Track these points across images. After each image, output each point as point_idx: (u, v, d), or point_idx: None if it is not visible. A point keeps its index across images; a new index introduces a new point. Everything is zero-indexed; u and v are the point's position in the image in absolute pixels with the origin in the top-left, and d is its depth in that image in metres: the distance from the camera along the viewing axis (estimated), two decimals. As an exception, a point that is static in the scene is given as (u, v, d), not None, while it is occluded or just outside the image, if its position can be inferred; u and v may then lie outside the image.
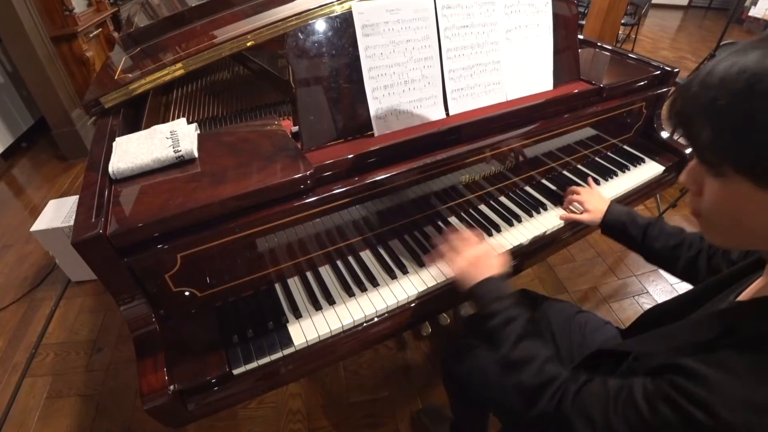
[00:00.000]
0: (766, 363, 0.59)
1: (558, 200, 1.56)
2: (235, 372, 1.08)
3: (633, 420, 0.68)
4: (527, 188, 1.63)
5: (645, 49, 6.42)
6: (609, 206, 1.36)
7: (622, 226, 1.30)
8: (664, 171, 1.76)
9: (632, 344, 0.90)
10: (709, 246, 1.14)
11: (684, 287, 1.64)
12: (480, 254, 1.14)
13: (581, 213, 1.42)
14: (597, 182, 1.66)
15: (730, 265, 1.05)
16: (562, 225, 1.48)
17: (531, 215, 1.50)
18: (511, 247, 1.39)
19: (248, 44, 1.41)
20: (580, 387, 0.81)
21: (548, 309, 1.39)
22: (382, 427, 1.88)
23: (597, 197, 1.42)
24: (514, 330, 0.97)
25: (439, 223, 1.47)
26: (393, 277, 1.29)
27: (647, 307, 1.09)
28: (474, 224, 1.46)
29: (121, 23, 3.26)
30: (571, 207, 1.50)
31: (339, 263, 1.34)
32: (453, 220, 1.48)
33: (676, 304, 0.97)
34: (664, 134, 1.85)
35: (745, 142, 0.56)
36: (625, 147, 1.86)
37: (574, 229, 1.51)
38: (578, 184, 1.63)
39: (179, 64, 1.42)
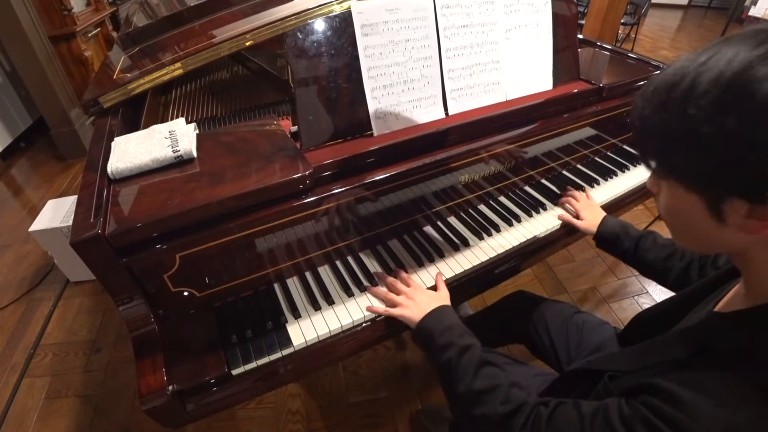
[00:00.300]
0: (745, 380, 0.58)
1: (559, 200, 1.56)
2: (234, 372, 1.08)
3: None
4: (527, 188, 1.62)
5: (645, 49, 6.44)
6: (603, 219, 1.37)
7: (615, 238, 1.31)
8: (665, 171, 1.74)
9: (607, 363, 0.88)
10: (700, 256, 1.15)
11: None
12: (418, 292, 1.17)
13: (576, 218, 1.43)
14: (597, 182, 1.66)
15: None
16: (561, 225, 1.47)
17: (530, 215, 1.50)
18: (511, 246, 1.39)
19: (247, 44, 1.40)
20: (552, 411, 0.78)
21: (546, 310, 1.39)
22: (381, 427, 1.88)
23: (593, 208, 1.44)
24: (472, 358, 0.94)
25: (438, 223, 1.46)
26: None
27: (647, 307, 1.09)
28: (473, 224, 1.45)
29: (120, 23, 3.26)
30: (566, 206, 1.51)
31: (338, 263, 1.33)
32: (452, 220, 1.48)
33: (661, 310, 0.98)
34: (664, 134, 1.84)
35: (674, 149, 0.59)
36: (625, 147, 1.85)
37: (572, 230, 1.50)
38: (578, 184, 1.63)
39: (178, 64, 1.41)
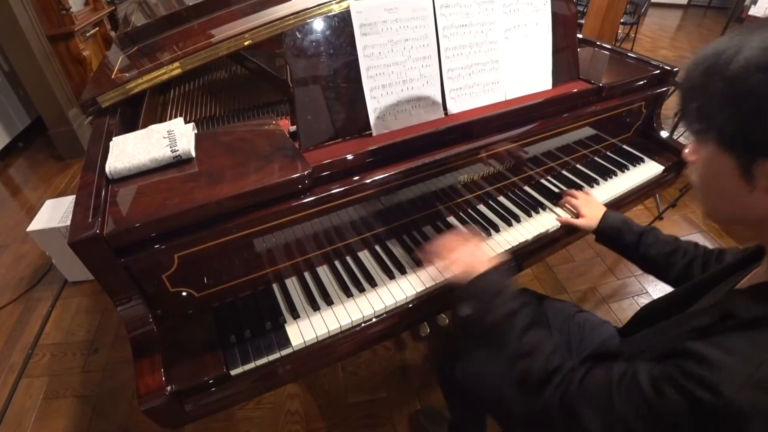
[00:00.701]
0: (764, 342, 0.62)
1: (558, 200, 1.55)
2: (233, 373, 1.08)
3: (638, 403, 0.69)
4: (526, 188, 1.62)
5: (644, 48, 6.42)
6: (604, 213, 1.36)
7: (617, 233, 1.30)
8: (664, 171, 1.75)
9: (627, 345, 0.90)
10: (703, 253, 1.16)
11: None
12: (473, 251, 1.11)
13: (576, 217, 1.42)
14: (596, 182, 1.66)
15: None
16: (560, 225, 1.47)
17: (530, 215, 1.50)
18: (510, 247, 1.39)
19: (246, 43, 1.40)
20: (584, 375, 0.81)
21: (547, 308, 1.39)
22: (380, 428, 1.87)
23: (594, 204, 1.43)
24: (519, 321, 0.95)
25: (438, 223, 1.46)
26: (391, 277, 1.29)
27: (642, 306, 1.08)
28: (473, 224, 1.45)
29: (118, 22, 3.25)
30: (567, 206, 1.50)
31: (337, 263, 1.33)
32: (452, 220, 1.48)
33: (671, 300, 0.97)
34: (664, 134, 1.85)
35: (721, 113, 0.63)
36: (625, 146, 1.85)
37: (572, 230, 1.50)
38: (578, 184, 1.63)
39: (176, 64, 1.41)
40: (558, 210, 1.52)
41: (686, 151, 0.76)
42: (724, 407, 0.59)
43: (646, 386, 0.68)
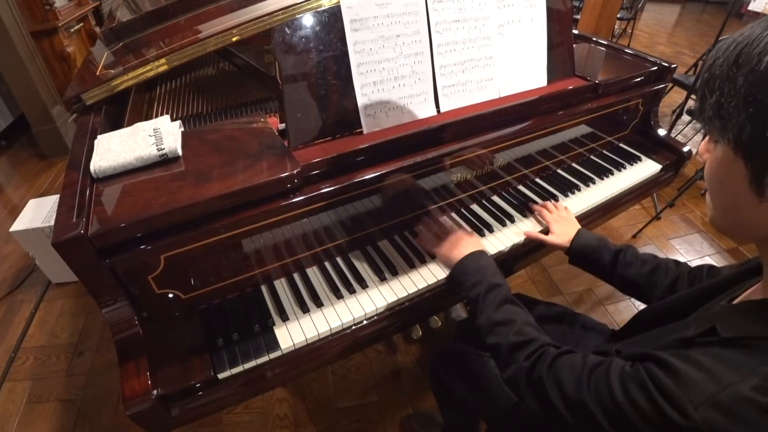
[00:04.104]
0: (739, 364, 0.60)
1: (554, 199, 1.54)
2: (220, 376, 1.07)
3: (603, 395, 0.70)
4: (520, 187, 1.61)
5: (642, 44, 6.43)
6: (578, 232, 1.30)
7: (591, 252, 1.25)
8: (662, 169, 1.75)
9: (622, 347, 0.89)
10: (688, 271, 1.11)
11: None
12: (460, 236, 1.23)
13: (546, 233, 1.37)
14: (592, 181, 1.65)
15: None
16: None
17: (524, 215, 1.49)
18: (504, 247, 1.37)
19: (234, 39, 1.38)
20: (560, 354, 0.83)
21: (541, 312, 1.38)
22: (371, 432, 1.86)
23: (567, 221, 1.37)
24: (497, 295, 1.02)
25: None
26: (382, 278, 1.27)
27: (643, 308, 1.07)
28: (465, 224, 1.44)
29: (103, 18, 3.22)
30: (538, 217, 1.46)
31: (327, 264, 1.32)
32: (444, 220, 1.45)
33: (670, 306, 0.96)
34: (662, 132, 1.84)
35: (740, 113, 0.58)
36: (621, 145, 1.85)
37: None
38: (575, 184, 1.62)
39: (162, 60, 1.39)
40: (527, 222, 1.48)
41: (700, 147, 0.72)
42: (683, 422, 0.59)
43: (615, 381, 0.69)
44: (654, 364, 0.66)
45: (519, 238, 1.40)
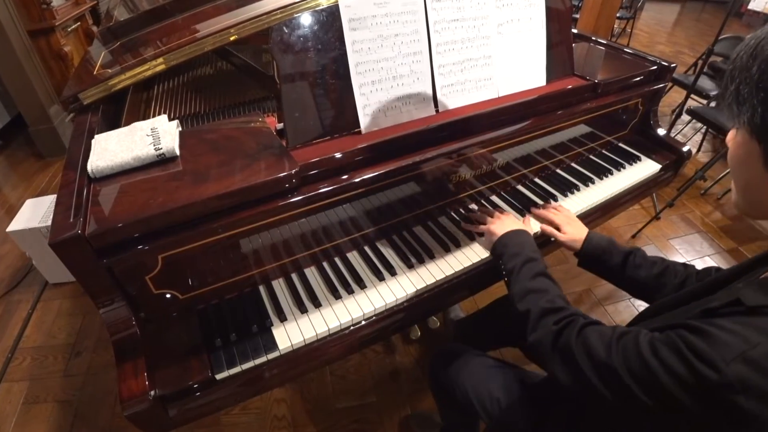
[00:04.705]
0: (764, 328, 0.63)
1: (552, 199, 1.55)
2: (218, 377, 1.06)
3: (632, 358, 0.72)
4: (519, 187, 1.61)
5: (641, 44, 6.42)
6: (588, 234, 1.30)
7: (602, 253, 1.24)
8: (661, 169, 1.74)
9: (644, 327, 0.88)
10: (696, 272, 1.12)
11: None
12: (507, 216, 1.32)
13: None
14: (592, 181, 1.65)
15: None
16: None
17: (523, 215, 1.48)
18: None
19: (231, 38, 1.38)
20: (589, 323, 0.86)
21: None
22: (369, 433, 1.86)
23: (577, 223, 1.36)
24: (534, 268, 1.08)
25: (429, 223, 1.44)
26: (381, 278, 1.27)
27: (643, 309, 1.06)
28: (464, 223, 1.43)
29: (101, 17, 3.20)
30: (542, 217, 1.43)
31: (325, 264, 1.32)
32: (443, 220, 1.46)
33: (681, 299, 0.95)
34: (661, 131, 1.84)
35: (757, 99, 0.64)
36: (621, 144, 1.84)
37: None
38: (573, 183, 1.62)
39: (160, 59, 1.38)
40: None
41: (728, 136, 0.77)
42: (713, 376, 0.61)
43: (644, 346, 0.71)
44: (684, 329, 0.68)
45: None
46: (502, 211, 1.43)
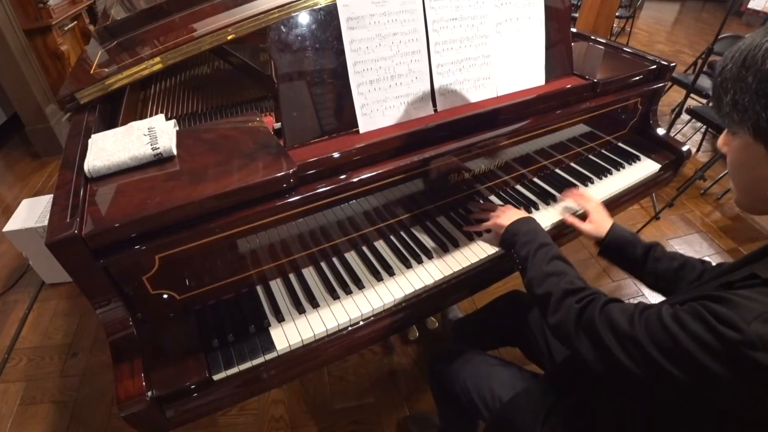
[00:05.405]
0: None
1: (552, 199, 1.54)
2: (216, 378, 1.06)
3: (655, 328, 0.75)
4: (518, 187, 1.61)
5: (640, 43, 6.41)
6: (613, 225, 1.31)
7: (627, 244, 1.26)
8: (660, 169, 1.74)
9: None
10: (711, 267, 1.14)
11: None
12: (510, 208, 1.33)
13: (583, 220, 1.37)
14: (591, 181, 1.64)
15: None
16: (554, 225, 1.45)
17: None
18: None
19: (229, 38, 1.37)
20: (611, 300, 0.88)
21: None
22: (367, 434, 1.85)
23: (604, 213, 1.37)
24: (549, 252, 1.09)
25: (427, 223, 1.44)
26: (379, 279, 1.27)
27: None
28: (464, 224, 1.43)
29: (97, 16, 3.20)
30: (570, 202, 1.48)
31: (323, 264, 1.31)
32: (441, 220, 1.46)
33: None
34: (661, 131, 1.83)
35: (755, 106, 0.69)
36: (620, 144, 1.84)
37: (564, 231, 1.49)
38: (572, 183, 1.62)
39: (157, 59, 1.38)
40: (552, 209, 1.50)
41: (719, 140, 0.83)
42: (734, 335, 0.64)
43: (666, 317, 0.74)
44: (706, 299, 0.71)
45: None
46: (504, 204, 1.43)
